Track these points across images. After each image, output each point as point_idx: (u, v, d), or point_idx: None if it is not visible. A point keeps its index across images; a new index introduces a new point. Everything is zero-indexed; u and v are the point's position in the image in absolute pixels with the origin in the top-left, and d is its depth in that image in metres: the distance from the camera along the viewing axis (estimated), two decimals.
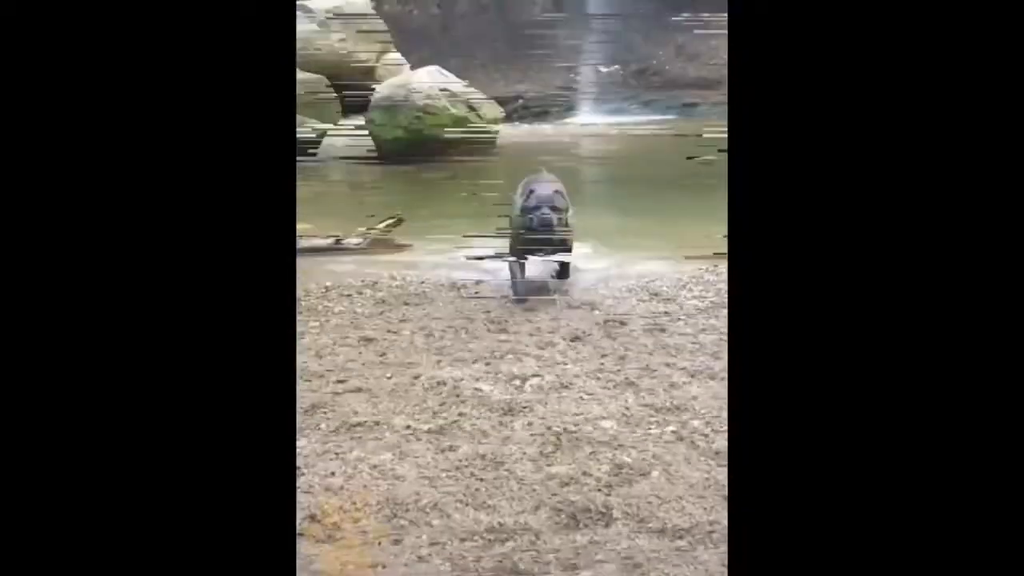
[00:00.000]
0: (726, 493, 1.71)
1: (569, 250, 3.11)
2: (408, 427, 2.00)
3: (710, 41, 9.42)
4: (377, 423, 2.02)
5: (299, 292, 2.91)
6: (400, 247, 3.94)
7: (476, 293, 3.08)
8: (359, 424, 2.01)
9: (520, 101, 8.98)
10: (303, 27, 7.14)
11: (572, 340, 2.57)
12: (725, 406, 2.10)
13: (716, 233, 3.82)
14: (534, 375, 2.29)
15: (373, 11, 9.13)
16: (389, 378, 2.31)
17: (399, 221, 3.98)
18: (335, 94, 7.90)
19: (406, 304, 2.97)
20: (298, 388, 2.05)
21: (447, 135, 6.39)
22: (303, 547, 1.51)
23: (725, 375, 2.30)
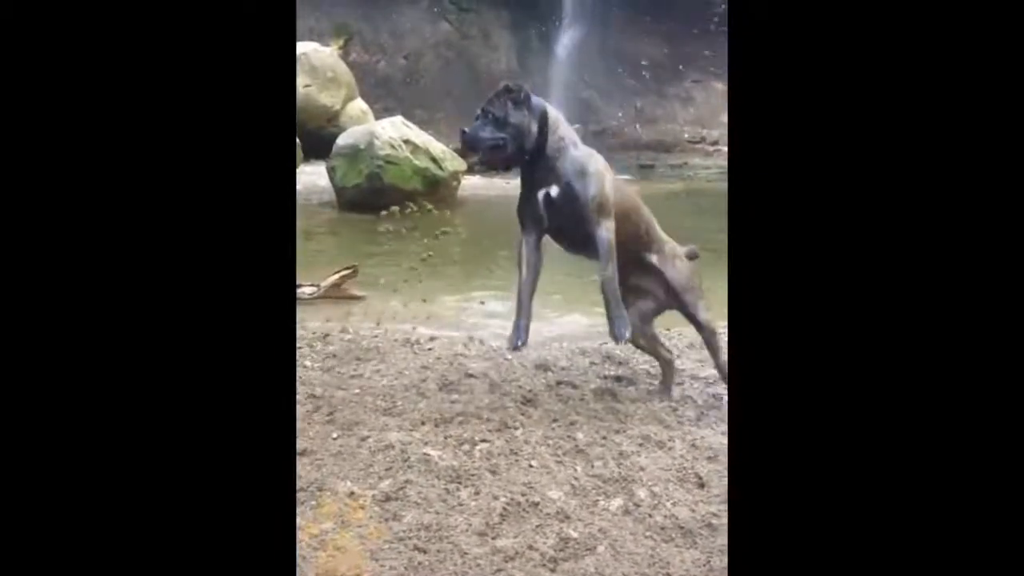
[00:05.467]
0: (669, 571, 1.71)
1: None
2: (352, 494, 1.95)
3: (667, 106, 9.77)
4: (320, 489, 1.97)
5: None
6: (354, 298, 3.91)
7: (430, 350, 3.06)
8: (301, 489, 1.96)
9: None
10: None
11: (523, 403, 2.56)
12: (671, 477, 2.11)
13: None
14: (483, 440, 2.27)
15: (340, 58, 9.23)
16: (335, 439, 2.26)
17: (354, 272, 3.96)
18: (297, 139, 7.91)
19: (358, 359, 2.93)
20: None
21: (408, 186, 6.42)
22: None
23: (672, 444, 2.31)
